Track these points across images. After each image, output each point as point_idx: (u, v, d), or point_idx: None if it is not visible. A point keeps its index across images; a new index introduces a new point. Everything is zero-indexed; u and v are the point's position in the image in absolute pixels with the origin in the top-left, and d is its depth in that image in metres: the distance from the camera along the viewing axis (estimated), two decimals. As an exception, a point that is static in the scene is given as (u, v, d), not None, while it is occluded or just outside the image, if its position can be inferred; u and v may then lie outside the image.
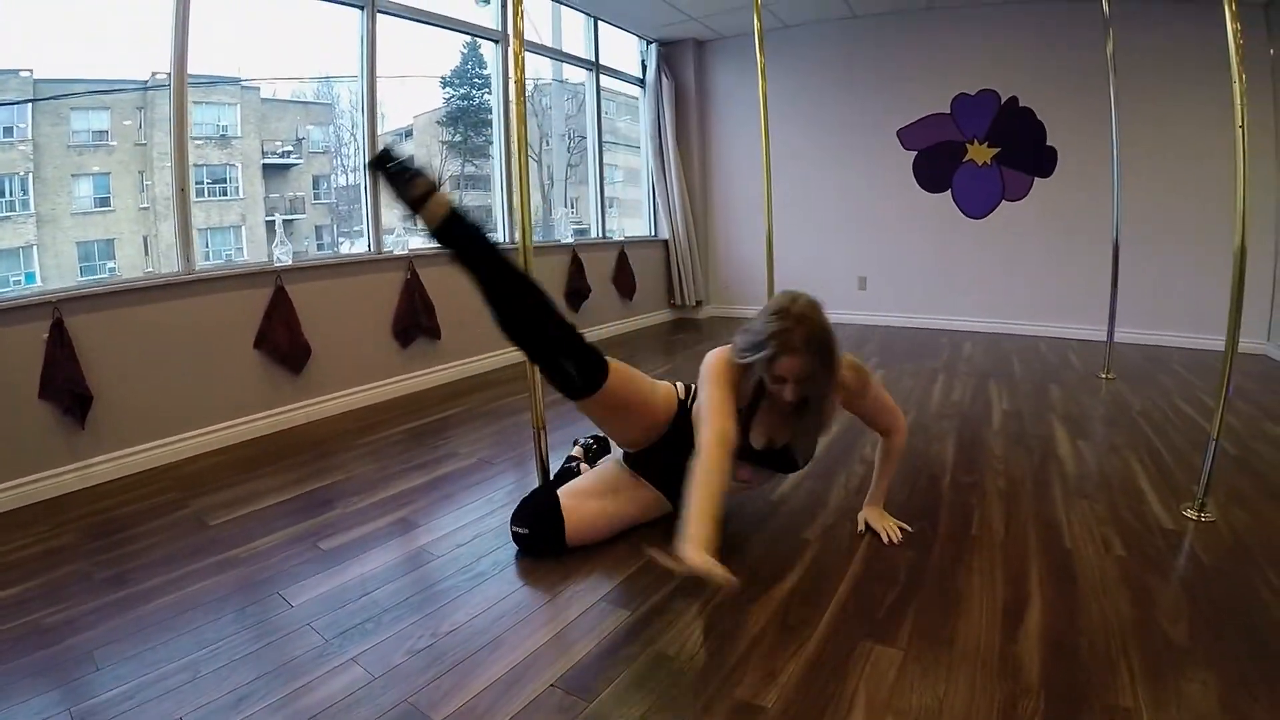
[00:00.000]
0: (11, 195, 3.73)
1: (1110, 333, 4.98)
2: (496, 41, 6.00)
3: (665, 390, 2.60)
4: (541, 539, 2.49)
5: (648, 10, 6.89)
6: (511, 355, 5.71)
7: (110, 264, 4.11)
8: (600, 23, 7.23)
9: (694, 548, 1.83)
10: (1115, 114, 4.69)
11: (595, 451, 3.18)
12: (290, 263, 4.32)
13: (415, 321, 4.98)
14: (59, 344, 3.31)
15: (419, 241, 5.17)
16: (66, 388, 3.31)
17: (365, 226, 5.09)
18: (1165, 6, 5.77)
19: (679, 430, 2.51)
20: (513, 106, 6.02)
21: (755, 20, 4.50)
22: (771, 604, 2.10)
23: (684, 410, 2.57)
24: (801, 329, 2.12)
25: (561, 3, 6.58)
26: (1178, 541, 2.49)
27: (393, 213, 5.03)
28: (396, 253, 4.99)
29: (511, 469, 3.40)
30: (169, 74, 3.97)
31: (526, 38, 6.02)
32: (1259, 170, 5.41)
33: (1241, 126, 2.59)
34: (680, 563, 1.78)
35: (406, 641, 2.01)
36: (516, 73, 2.81)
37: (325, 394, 4.48)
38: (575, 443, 3.23)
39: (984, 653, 1.85)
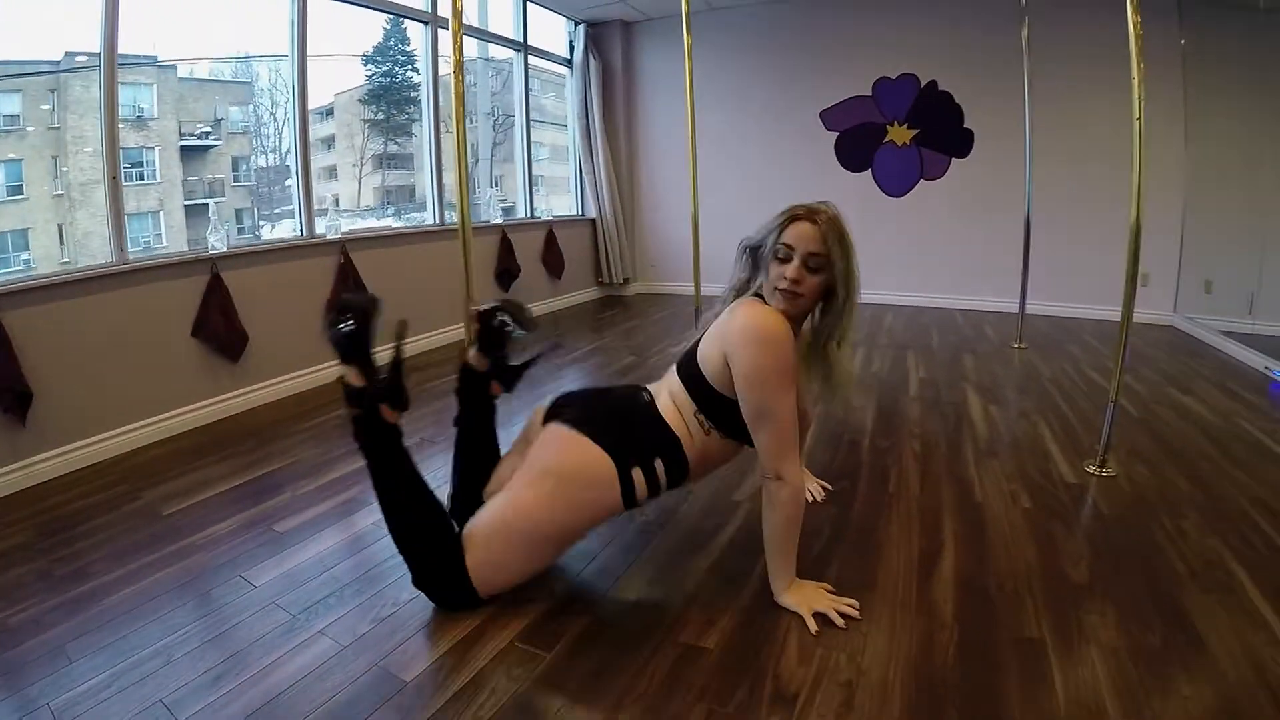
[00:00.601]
0: None
1: (1022, 305, 5.25)
2: (426, 23, 6.01)
3: (588, 478, 2.02)
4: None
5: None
6: (445, 336, 5.82)
7: (25, 255, 4.01)
8: (528, 3, 7.25)
9: (813, 590, 2.03)
10: (1028, 97, 4.95)
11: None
12: (225, 249, 4.29)
13: None
14: None
15: (350, 225, 5.18)
16: (5, 385, 3.25)
17: (297, 211, 5.06)
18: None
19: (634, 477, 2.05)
20: (443, 86, 6.10)
21: (683, 2, 4.64)
22: (709, 557, 2.27)
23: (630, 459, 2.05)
24: (817, 211, 2.02)
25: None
26: (1080, 494, 2.72)
27: (323, 193, 5.02)
28: (329, 237, 5.00)
29: (450, 447, 3.46)
30: (98, 54, 3.87)
31: (446, 16, 6.07)
32: (1169, 151, 5.75)
33: (1139, 119, 2.79)
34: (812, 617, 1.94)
35: (370, 611, 2.10)
36: (455, 54, 2.87)
37: (264, 380, 4.48)
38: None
39: (903, 594, 2.05)
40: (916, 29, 6.78)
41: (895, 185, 7.01)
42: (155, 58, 4.36)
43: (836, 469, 2.95)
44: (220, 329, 4.17)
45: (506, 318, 2.37)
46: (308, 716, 1.71)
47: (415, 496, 2.10)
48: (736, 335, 1.91)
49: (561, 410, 2.17)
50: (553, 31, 7.89)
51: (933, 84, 6.75)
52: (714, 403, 2.02)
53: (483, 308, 2.40)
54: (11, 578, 2.50)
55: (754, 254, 2.10)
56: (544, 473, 2.00)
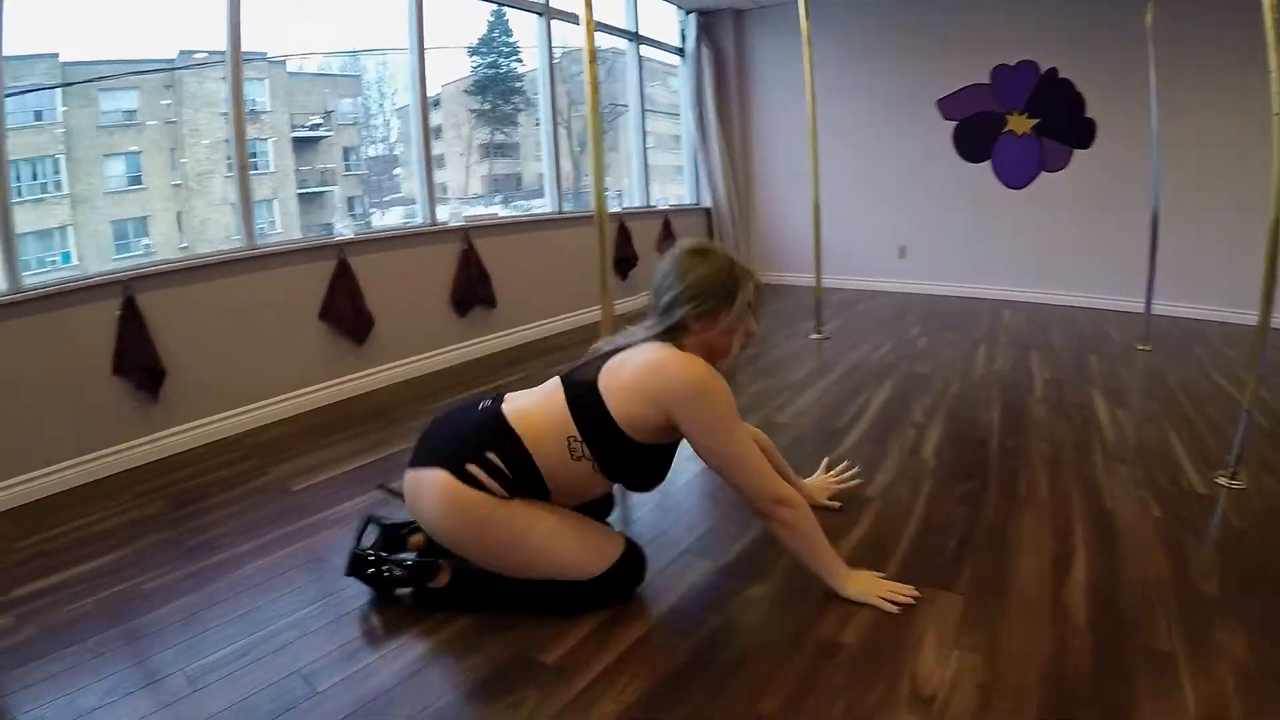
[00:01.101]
0: (45, 178, 3.81)
1: (1148, 305, 5.06)
2: (540, 14, 6.11)
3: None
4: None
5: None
6: (565, 321, 5.94)
7: (145, 241, 4.21)
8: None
9: (869, 578, 2.08)
10: (1155, 86, 4.75)
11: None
12: (352, 235, 4.46)
13: (472, 291, 5.12)
14: (131, 321, 3.42)
15: (489, 210, 5.31)
16: (140, 363, 3.44)
17: (419, 198, 5.21)
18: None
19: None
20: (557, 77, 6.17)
21: None
22: (843, 553, 2.25)
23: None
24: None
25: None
26: (1210, 506, 2.64)
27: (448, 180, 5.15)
28: (452, 224, 5.13)
29: None
30: (224, 52, 4.01)
31: (558, 7, 6.15)
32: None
33: (1278, 113, 2.69)
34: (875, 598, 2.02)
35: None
36: (588, 44, 2.93)
37: (387, 363, 4.63)
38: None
39: (1036, 598, 2.03)
40: (1035, 13, 6.55)
41: (1015, 176, 6.82)
42: (265, 54, 4.53)
43: (966, 468, 2.94)
44: (347, 312, 4.33)
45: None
46: (448, 694, 1.77)
47: (502, 583, 2.10)
48: (679, 393, 1.93)
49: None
50: (662, 21, 7.89)
51: (1052, 71, 6.55)
52: (608, 438, 2.00)
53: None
54: (145, 545, 2.63)
55: (711, 309, 2.05)
56: (432, 528, 2.08)
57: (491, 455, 1.99)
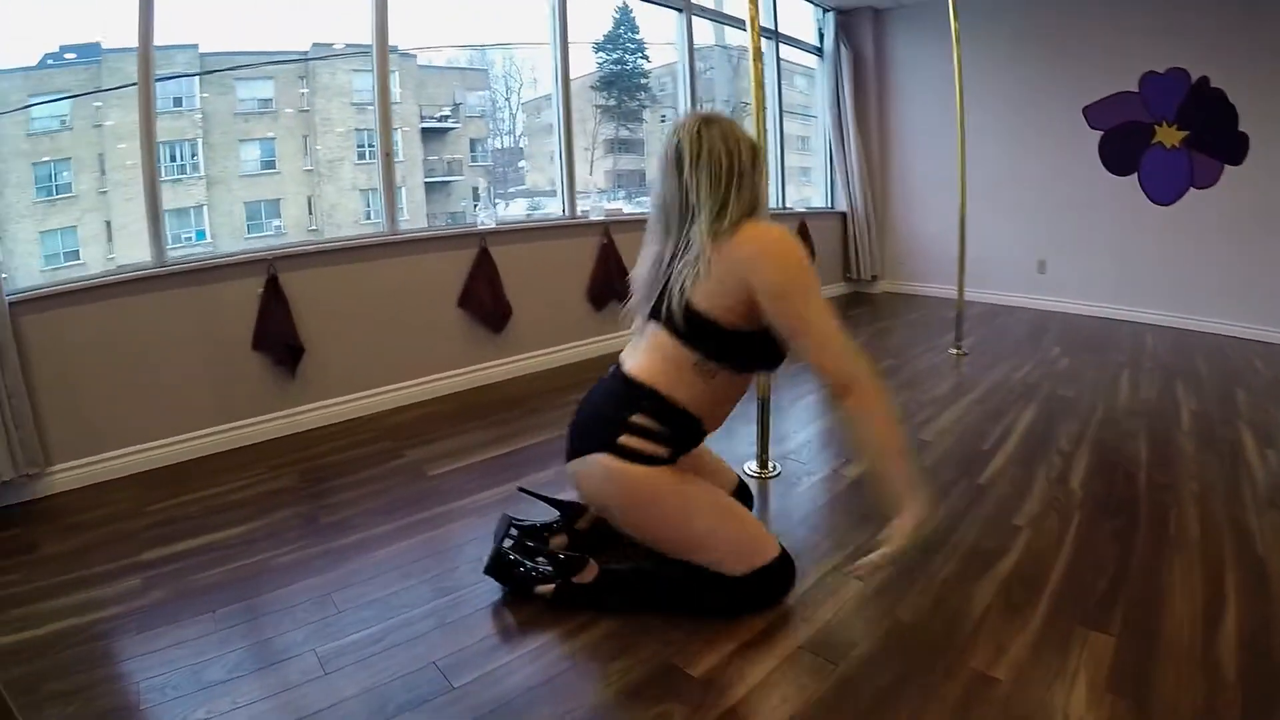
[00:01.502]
0: (183, 160, 4.01)
1: (1299, 337, 4.84)
2: (680, 10, 6.15)
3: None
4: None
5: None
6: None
7: (276, 222, 4.38)
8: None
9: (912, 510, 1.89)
10: None
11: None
12: (494, 225, 4.57)
13: (609, 285, 5.19)
14: (274, 298, 3.61)
15: (613, 205, 5.38)
16: (280, 340, 3.62)
17: (560, 191, 5.32)
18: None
19: None
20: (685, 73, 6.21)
21: None
22: (994, 583, 2.26)
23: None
24: None
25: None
26: None
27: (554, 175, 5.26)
28: (593, 218, 5.22)
29: (725, 435, 3.06)
30: (370, 44, 4.19)
31: (699, 3, 6.17)
32: None
33: None
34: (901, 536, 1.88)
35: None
36: (754, 40, 2.93)
37: (523, 353, 4.75)
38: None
39: (1188, 647, 1.97)
40: (1188, 18, 6.27)
41: (1163, 192, 6.56)
42: (396, 47, 4.60)
43: (1115, 502, 2.87)
44: (486, 301, 4.45)
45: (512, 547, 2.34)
46: (590, 699, 1.78)
47: (649, 583, 2.19)
48: (746, 257, 1.93)
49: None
50: (799, 19, 7.84)
51: (1204, 80, 6.27)
52: (728, 343, 2.02)
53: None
54: (279, 519, 2.70)
55: (738, 181, 2.02)
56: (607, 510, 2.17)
57: (637, 418, 2.05)
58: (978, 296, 7.25)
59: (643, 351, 2.16)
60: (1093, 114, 6.82)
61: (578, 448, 2.16)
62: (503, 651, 1.96)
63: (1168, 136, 6.49)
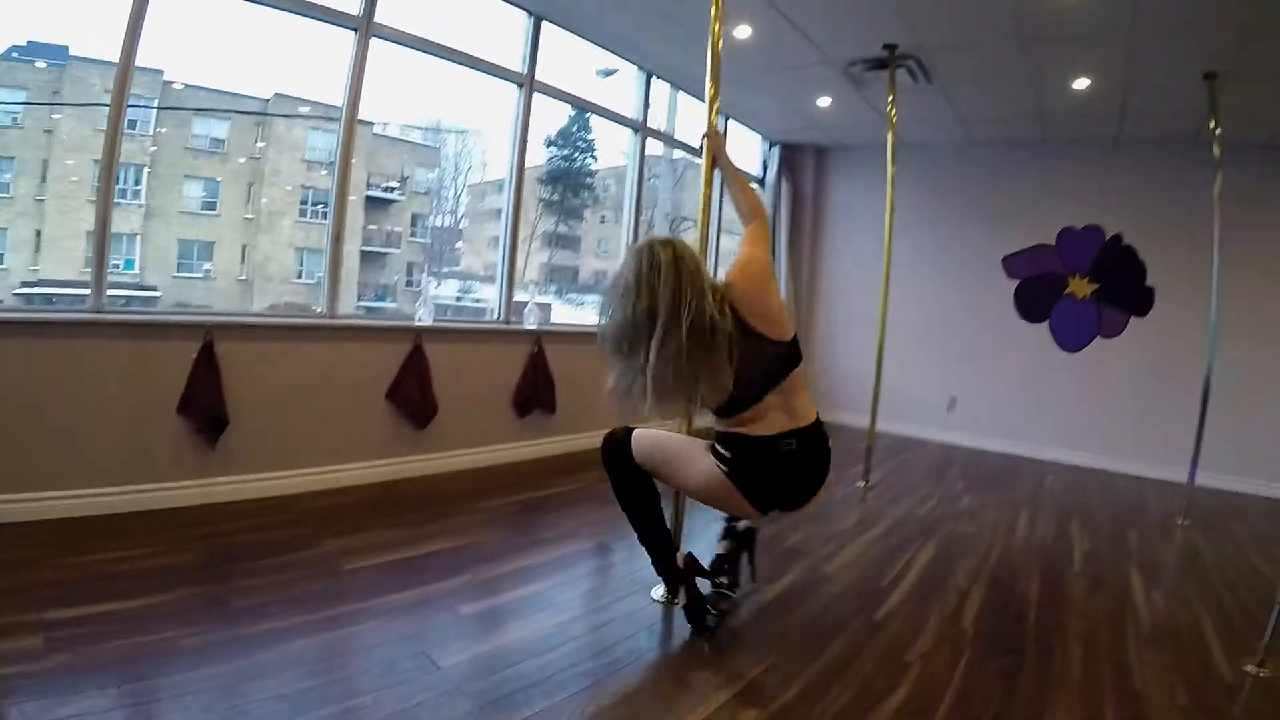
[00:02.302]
0: (125, 184, 3.96)
1: (1191, 477, 5.15)
2: (636, 130, 6.45)
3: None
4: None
5: (776, 115, 7.32)
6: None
7: (207, 265, 4.34)
8: (730, 119, 7.64)
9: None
10: (1218, 259, 4.95)
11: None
12: (430, 323, 4.63)
13: (535, 393, 5.26)
14: (206, 365, 3.58)
15: (543, 299, 5.45)
16: (207, 408, 3.58)
17: (498, 298, 5.42)
18: (1277, 154, 6.07)
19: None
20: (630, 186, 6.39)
21: (889, 135, 5.03)
22: (883, 717, 2.36)
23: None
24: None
25: (696, 96, 6.77)
26: (1236, 695, 2.71)
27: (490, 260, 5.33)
28: (527, 326, 5.31)
29: (631, 558, 3.42)
30: (340, 117, 4.18)
31: (651, 125, 6.46)
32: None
33: None
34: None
35: (559, 717, 2.18)
36: (706, 169, 3.08)
37: (445, 451, 4.75)
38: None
39: None
40: (1104, 178, 6.85)
41: (1071, 339, 7.01)
42: (369, 122, 4.63)
43: (1005, 640, 3.01)
44: (415, 395, 4.47)
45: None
46: None
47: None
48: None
49: None
50: (745, 147, 8.23)
51: (1117, 237, 6.79)
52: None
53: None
54: (189, 595, 2.64)
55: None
56: None
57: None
58: (890, 429, 7.51)
59: (804, 396, 2.66)
60: (1011, 264, 7.28)
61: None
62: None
63: (1079, 288, 6.94)
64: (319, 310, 4.32)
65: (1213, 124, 4.97)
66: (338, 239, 4.29)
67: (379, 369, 4.40)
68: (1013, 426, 7.33)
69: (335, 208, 4.29)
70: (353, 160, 4.36)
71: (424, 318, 4.65)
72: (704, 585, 2.92)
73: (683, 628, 2.86)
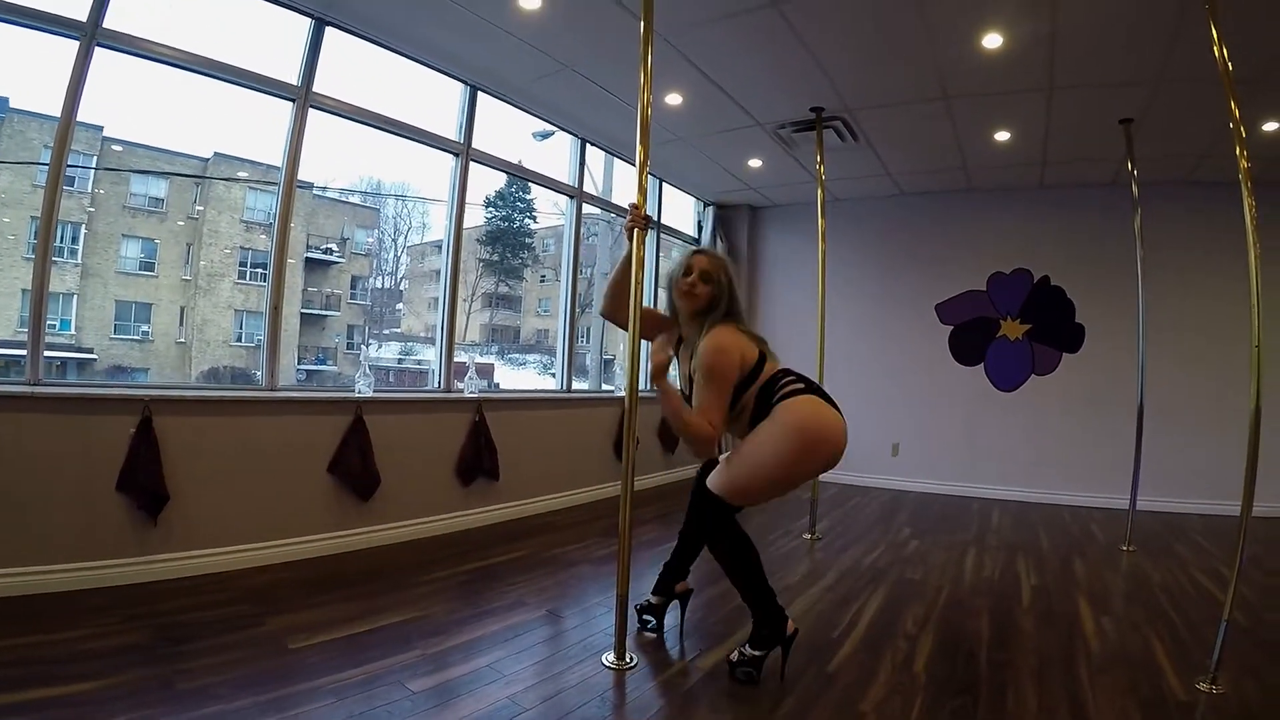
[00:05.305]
0: (62, 242, 3.87)
1: (1133, 502, 5.27)
2: (572, 197, 6.54)
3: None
4: None
5: (709, 177, 7.48)
6: (562, 500, 6.07)
7: (145, 327, 4.26)
8: (664, 184, 7.80)
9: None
10: (1141, 293, 5.12)
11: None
12: (371, 394, 4.61)
13: (478, 461, 5.25)
14: (145, 441, 3.53)
15: (484, 360, 5.42)
16: (146, 485, 3.52)
17: (436, 367, 5.43)
18: (1190, 189, 6.37)
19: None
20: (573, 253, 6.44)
21: (819, 192, 5.12)
22: None
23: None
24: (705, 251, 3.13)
25: (630, 162, 6.90)
26: (1190, 714, 2.75)
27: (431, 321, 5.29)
28: (467, 395, 5.31)
29: (582, 624, 3.54)
30: (279, 179, 4.11)
31: (587, 188, 6.57)
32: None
33: (1257, 347, 3.02)
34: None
35: None
36: (638, 247, 3.12)
37: (388, 522, 4.70)
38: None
39: None
40: (1028, 224, 7.12)
41: (1007, 380, 7.19)
42: (311, 184, 4.65)
43: (957, 683, 3.02)
44: (356, 468, 4.42)
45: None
46: None
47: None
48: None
49: None
50: (680, 208, 8.38)
51: (1045, 278, 7.02)
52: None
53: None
54: (134, 679, 2.57)
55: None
56: None
57: None
58: (834, 478, 7.60)
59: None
60: (944, 310, 7.48)
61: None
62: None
63: (1012, 330, 7.14)
64: (258, 376, 4.27)
65: (1130, 165, 5.18)
66: (276, 308, 4.24)
67: (320, 441, 4.36)
68: (957, 468, 7.46)
69: (274, 274, 4.25)
70: (291, 224, 4.35)
71: (364, 389, 4.63)
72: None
73: (637, 693, 2.87)
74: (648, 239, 7.77)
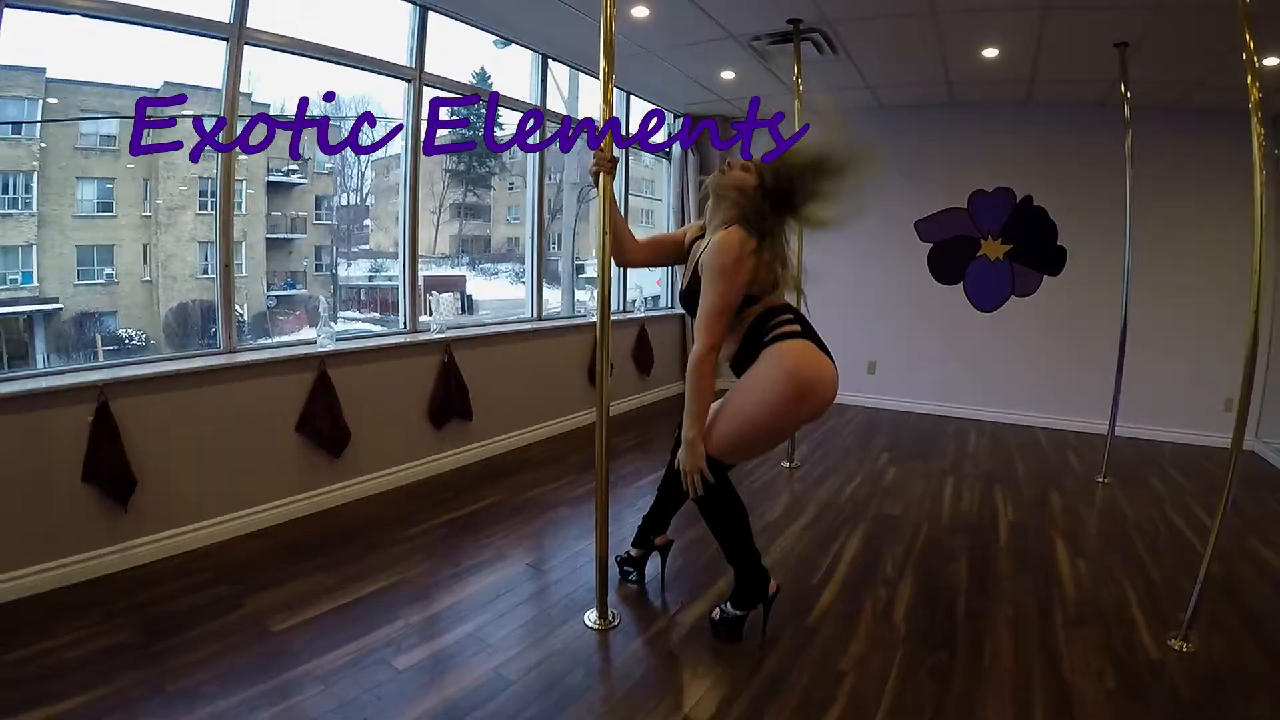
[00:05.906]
0: (14, 193, 3.71)
1: (1111, 429, 5.26)
2: (534, 117, 6.25)
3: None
4: None
5: (679, 89, 7.16)
6: (537, 433, 6.00)
7: (108, 269, 4.11)
8: (632, 96, 7.55)
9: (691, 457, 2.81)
10: (1129, 215, 4.99)
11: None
12: (333, 347, 4.40)
13: (450, 403, 5.10)
14: (104, 428, 3.36)
15: (455, 272, 5.25)
16: (111, 473, 3.37)
17: (401, 310, 5.24)
18: (1185, 116, 6.17)
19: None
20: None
21: (796, 105, 4.97)
22: None
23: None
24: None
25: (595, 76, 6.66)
26: (1161, 672, 2.77)
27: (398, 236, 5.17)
28: (434, 336, 5.11)
29: (563, 577, 3.49)
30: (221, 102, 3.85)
31: (550, 106, 6.30)
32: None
33: (1257, 271, 2.96)
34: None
35: None
36: (607, 190, 3.00)
37: (363, 475, 4.57)
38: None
39: None
40: (1012, 141, 6.92)
41: (986, 300, 7.10)
42: (250, 94, 4.30)
43: (936, 635, 3.01)
44: (325, 425, 4.28)
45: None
46: None
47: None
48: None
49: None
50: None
51: (1028, 199, 6.87)
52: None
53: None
54: (122, 685, 2.49)
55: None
56: None
57: None
58: (811, 396, 7.50)
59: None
60: (923, 227, 7.32)
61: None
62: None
63: (992, 250, 7.01)
64: (217, 348, 4.08)
65: (1123, 88, 4.99)
66: (227, 266, 3.99)
67: (285, 401, 4.20)
68: (934, 387, 7.44)
69: (221, 230, 3.96)
70: (234, 185, 4.05)
71: (326, 343, 4.43)
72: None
73: (622, 655, 2.86)
74: (622, 156, 7.71)
